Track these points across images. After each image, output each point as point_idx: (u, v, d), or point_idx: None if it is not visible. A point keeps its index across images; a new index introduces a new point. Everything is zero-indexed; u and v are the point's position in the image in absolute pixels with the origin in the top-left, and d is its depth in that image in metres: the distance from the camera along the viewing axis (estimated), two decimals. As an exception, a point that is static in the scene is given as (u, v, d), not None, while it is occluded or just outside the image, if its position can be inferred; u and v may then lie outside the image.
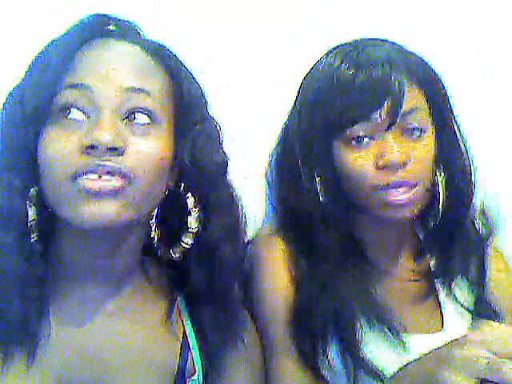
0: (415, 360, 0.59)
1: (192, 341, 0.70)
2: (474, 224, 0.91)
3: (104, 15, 0.66)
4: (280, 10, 0.96)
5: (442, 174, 0.83)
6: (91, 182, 0.58)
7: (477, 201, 0.89)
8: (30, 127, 0.60)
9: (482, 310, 0.87)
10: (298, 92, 0.87)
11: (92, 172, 0.58)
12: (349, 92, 0.76)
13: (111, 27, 0.66)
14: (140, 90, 0.61)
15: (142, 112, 0.62)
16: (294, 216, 0.84)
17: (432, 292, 0.88)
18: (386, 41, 0.83)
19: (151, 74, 0.64)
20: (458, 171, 0.85)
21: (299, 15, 0.97)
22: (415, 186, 0.77)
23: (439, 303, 0.87)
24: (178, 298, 0.72)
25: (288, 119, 0.89)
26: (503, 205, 0.93)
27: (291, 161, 0.84)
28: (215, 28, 0.90)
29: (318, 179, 0.81)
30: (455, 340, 0.54)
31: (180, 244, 0.68)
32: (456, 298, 0.87)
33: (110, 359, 0.65)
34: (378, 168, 0.76)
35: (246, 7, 0.93)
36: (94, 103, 0.60)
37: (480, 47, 1.05)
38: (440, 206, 0.84)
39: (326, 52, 0.85)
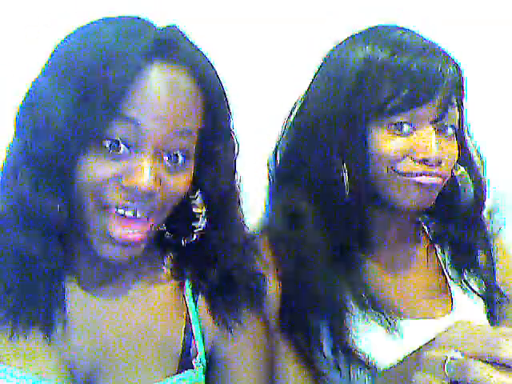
0: (399, 361, 0.59)
1: (195, 326, 0.72)
2: (481, 218, 0.92)
3: (156, 36, 0.60)
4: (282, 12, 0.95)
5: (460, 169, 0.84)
6: (123, 221, 0.61)
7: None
8: (70, 148, 0.58)
9: (493, 294, 0.89)
10: (319, 78, 0.84)
11: (127, 209, 0.61)
12: (402, 79, 0.74)
13: (162, 47, 0.60)
14: (185, 131, 0.62)
15: (181, 154, 0.63)
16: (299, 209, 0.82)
17: (442, 280, 0.90)
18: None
19: (195, 107, 0.63)
20: (471, 173, 0.86)
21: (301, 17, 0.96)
22: (443, 181, 0.79)
23: (449, 289, 0.88)
24: (185, 282, 0.74)
25: (303, 108, 0.86)
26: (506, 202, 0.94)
27: (312, 151, 0.81)
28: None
29: (345, 168, 0.78)
30: (427, 342, 0.53)
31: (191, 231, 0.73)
32: (468, 284, 0.89)
33: (117, 340, 0.67)
34: (415, 160, 0.76)
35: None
36: (139, 138, 0.59)
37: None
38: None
39: (350, 37, 0.83)
